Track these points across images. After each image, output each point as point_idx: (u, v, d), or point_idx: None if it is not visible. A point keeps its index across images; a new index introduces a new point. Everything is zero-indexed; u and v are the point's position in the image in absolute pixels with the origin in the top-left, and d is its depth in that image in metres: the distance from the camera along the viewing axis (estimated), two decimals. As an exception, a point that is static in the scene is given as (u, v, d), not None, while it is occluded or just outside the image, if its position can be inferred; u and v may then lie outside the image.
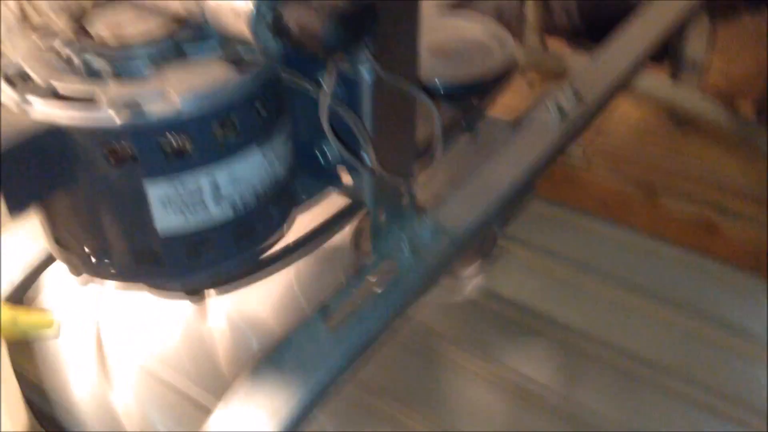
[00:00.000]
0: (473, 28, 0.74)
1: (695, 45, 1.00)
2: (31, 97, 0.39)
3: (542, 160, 0.63)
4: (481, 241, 0.68)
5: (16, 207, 0.39)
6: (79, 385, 0.58)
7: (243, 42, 0.42)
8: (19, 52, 0.44)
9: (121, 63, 0.41)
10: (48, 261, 0.56)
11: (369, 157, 0.48)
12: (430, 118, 0.50)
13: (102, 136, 0.39)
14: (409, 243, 0.53)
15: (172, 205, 0.42)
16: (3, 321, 0.49)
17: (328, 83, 0.43)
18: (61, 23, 0.44)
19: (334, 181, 0.52)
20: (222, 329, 0.62)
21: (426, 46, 0.71)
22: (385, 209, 0.53)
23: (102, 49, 0.41)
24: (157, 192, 0.41)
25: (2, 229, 0.59)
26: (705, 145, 1.03)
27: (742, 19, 1.28)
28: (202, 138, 0.41)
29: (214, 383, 0.56)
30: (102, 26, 0.43)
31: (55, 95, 0.40)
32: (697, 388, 0.57)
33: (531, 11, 1.12)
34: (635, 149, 1.04)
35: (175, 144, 0.41)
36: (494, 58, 0.71)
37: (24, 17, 1.08)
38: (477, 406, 0.57)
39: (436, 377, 0.59)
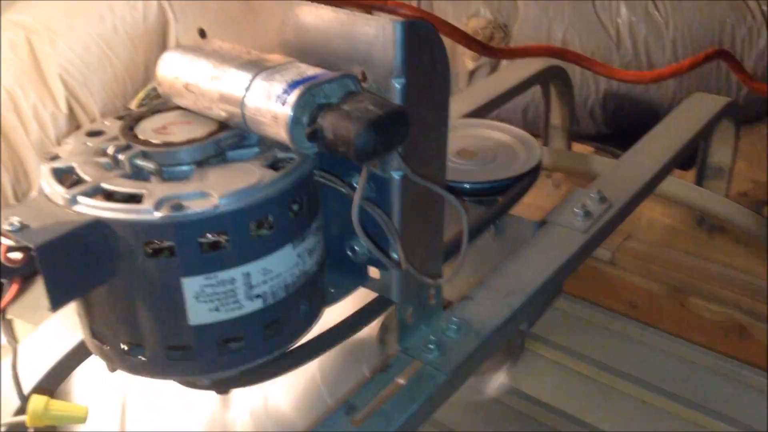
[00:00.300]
0: (498, 132, 0.77)
1: (721, 151, 1.02)
2: (78, 196, 0.41)
3: (569, 262, 0.64)
4: (509, 342, 0.68)
5: (58, 300, 0.40)
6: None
7: (280, 145, 0.45)
8: (69, 150, 0.46)
9: (166, 164, 0.44)
10: (82, 353, 0.57)
11: (397, 254, 0.49)
12: (458, 217, 0.52)
13: (143, 231, 0.41)
14: (435, 340, 0.54)
15: (206, 299, 0.43)
16: (34, 410, 0.49)
17: (359, 185, 0.45)
18: (114, 128, 0.47)
19: (363, 277, 0.53)
20: (244, 420, 0.62)
21: (453, 147, 0.73)
22: (412, 306, 0.54)
23: (148, 150, 0.44)
24: (192, 286, 0.43)
25: (39, 318, 0.60)
26: (733, 248, 1.03)
27: (765, 125, 1.30)
28: (239, 236, 0.42)
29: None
30: (149, 129, 0.46)
31: (100, 192, 0.42)
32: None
33: (556, 115, 1.15)
34: (664, 252, 1.05)
35: (212, 241, 0.42)
36: (519, 158, 0.73)
37: (71, 114, 1.13)
38: None
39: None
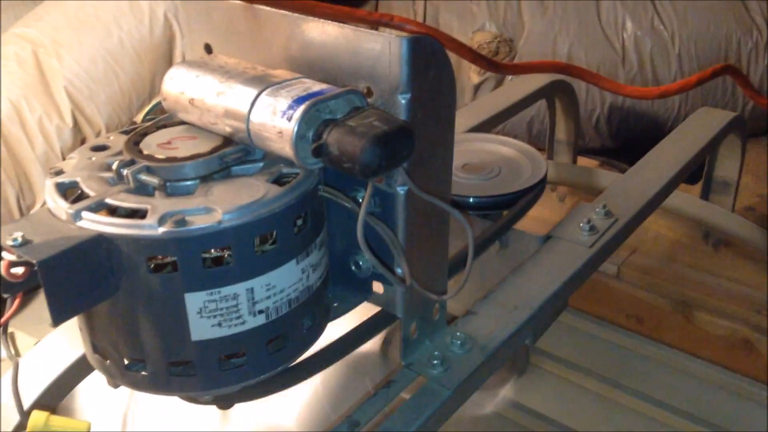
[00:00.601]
0: (503, 146, 0.77)
1: (727, 165, 1.02)
2: (82, 211, 0.41)
3: (574, 277, 0.63)
4: (514, 356, 0.68)
5: (60, 315, 0.40)
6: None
7: (285, 160, 0.45)
8: (73, 165, 0.46)
9: (170, 179, 0.44)
10: (84, 368, 0.57)
11: (402, 269, 0.49)
12: (463, 232, 0.51)
13: (146, 246, 0.41)
14: (439, 356, 0.53)
15: (208, 315, 0.43)
16: (34, 426, 0.49)
17: (364, 201, 0.45)
18: (119, 143, 0.47)
19: (367, 291, 0.53)
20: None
21: (458, 162, 0.73)
22: (416, 321, 0.53)
23: (153, 166, 0.44)
24: (194, 302, 0.43)
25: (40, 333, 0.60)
26: (739, 263, 1.02)
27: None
28: (243, 251, 0.42)
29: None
30: (154, 144, 0.46)
31: (104, 207, 0.42)
32: None
33: (561, 129, 1.15)
34: (669, 266, 1.04)
35: (215, 256, 0.42)
36: (524, 172, 0.73)
37: (76, 127, 1.13)
38: None
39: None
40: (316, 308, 0.49)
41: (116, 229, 0.41)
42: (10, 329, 0.78)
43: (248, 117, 0.44)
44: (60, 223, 0.42)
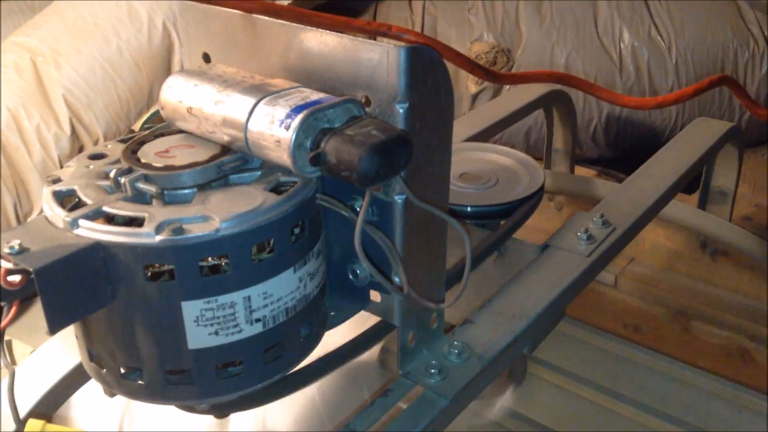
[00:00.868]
0: (501, 156, 0.77)
1: (724, 175, 1.02)
2: (79, 219, 0.41)
3: (571, 286, 0.63)
4: (511, 366, 0.68)
5: (56, 323, 0.40)
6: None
7: (283, 169, 0.45)
8: (71, 173, 0.46)
9: (168, 187, 0.44)
10: (81, 377, 0.57)
11: (399, 278, 0.49)
12: (461, 241, 0.51)
13: (143, 254, 0.41)
14: (437, 365, 0.53)
15: (205, 323, 0.43)
16: (31, 433, 0.49)
17: (362, 209, 0.45)
18: (116, 151, 0.47)
19: (365, 300, 0.53)
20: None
21: (456, 171, 0.73)
22: (413, 330, 0.53)
23: (150, 174, 0.44)
24: (191, 310, 0.42)
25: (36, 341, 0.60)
26: (736, 272, 1.02)
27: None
28: (240, 259, 0.42)
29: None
30: (151, 152, 0.46)
31: (101, 216, 0.42)
32: None
33: (558, 139, 1.15)
34: (667, 276, 1.04)
35: (212, 265, 0.42)
36: (521, 182, 0.73)
37: (74, 136, 1.13)
38: None
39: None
40: (313, 317, 0.49)
41: (113, 237, 0.41)
42: (6, 337, 0.78)
43: (246, 126, 0.44)
44: (57, 231, 0.42)
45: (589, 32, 1.45)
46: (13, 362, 0.74)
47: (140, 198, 0.44)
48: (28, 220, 1.09)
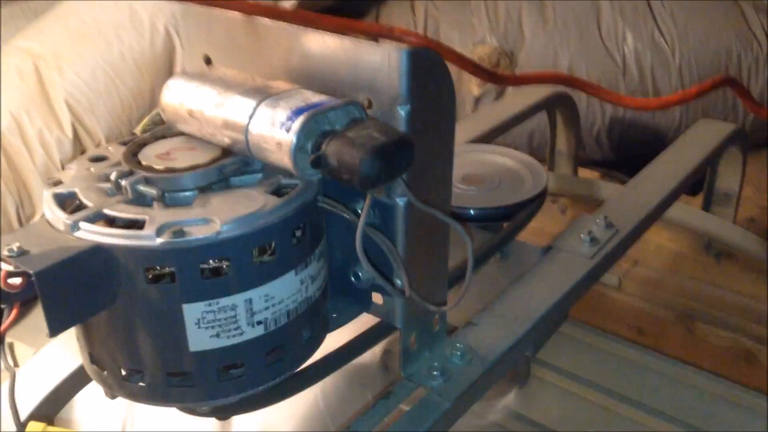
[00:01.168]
0: (504, 157, 0.77)
1: (728, 177, 1.02)
2: (80, 222, 0.41)
3: (575, 288, 0.63)
4: (515, 368, 0.68)
5: (57, 326, 0.40)
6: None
7: (284, 171, 0.45)
8: (72, 176, 0.46)
9: (168, 190, 0.44)
10: (82, 379, 0.57)
11: (401, 280, 0.49)
12: (463, 243, 0.51)
13: (144, 257, 0.41)
14: (439, 367, 0.53)
15: (206, 325, 0.43)
16: (32, 436, 0.49)
17: (363, 212, 0.45)
18: (117, 153, 0.47)
19: (367, 302, 0.53)
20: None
21: (458, 173, 0.73)
22: (415, 332, 0.53)
23: (151, 176, 0.44)
24: (192, 312, 0.42)
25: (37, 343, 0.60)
26: (740, 274, 1.02)
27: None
28: (241, 262, 0.42)
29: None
30: (152, 155, 0.46)
31: (102, 218, 0.42)
32: None
33: (562, 141, 1.15)
34: (671, 278, 1.04)
35: (214, 267, 0.42)
36: (525, 184, 0.73)
37: (76, 139, 1.13)
38: None
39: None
40: (314, 319, 0.49)
41: (114, 239, 0.40)
42: (9, 339, 0.78)
43: (247, 128, 0.44)
44: (58, 234, 0.42)
45: (592, 35, 1.45)
46: (16, 364, 0.74)
47: (141, 200, 0.44)
48: (30, 223, 1.09)
